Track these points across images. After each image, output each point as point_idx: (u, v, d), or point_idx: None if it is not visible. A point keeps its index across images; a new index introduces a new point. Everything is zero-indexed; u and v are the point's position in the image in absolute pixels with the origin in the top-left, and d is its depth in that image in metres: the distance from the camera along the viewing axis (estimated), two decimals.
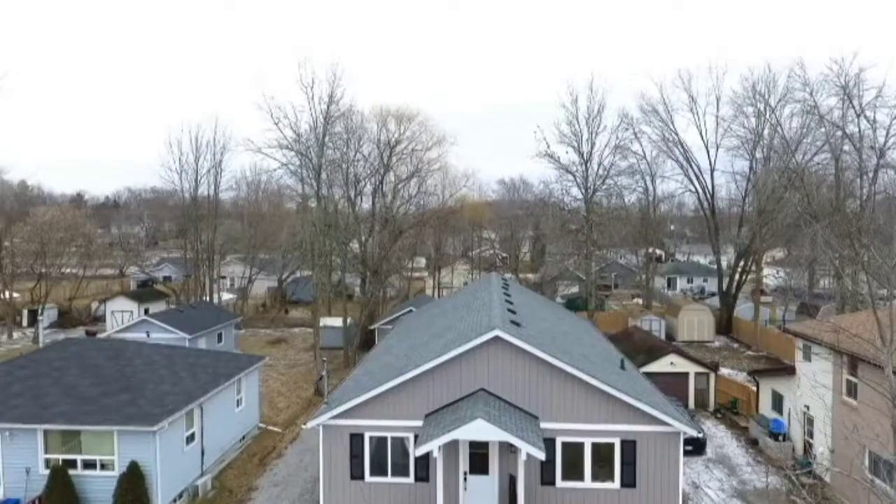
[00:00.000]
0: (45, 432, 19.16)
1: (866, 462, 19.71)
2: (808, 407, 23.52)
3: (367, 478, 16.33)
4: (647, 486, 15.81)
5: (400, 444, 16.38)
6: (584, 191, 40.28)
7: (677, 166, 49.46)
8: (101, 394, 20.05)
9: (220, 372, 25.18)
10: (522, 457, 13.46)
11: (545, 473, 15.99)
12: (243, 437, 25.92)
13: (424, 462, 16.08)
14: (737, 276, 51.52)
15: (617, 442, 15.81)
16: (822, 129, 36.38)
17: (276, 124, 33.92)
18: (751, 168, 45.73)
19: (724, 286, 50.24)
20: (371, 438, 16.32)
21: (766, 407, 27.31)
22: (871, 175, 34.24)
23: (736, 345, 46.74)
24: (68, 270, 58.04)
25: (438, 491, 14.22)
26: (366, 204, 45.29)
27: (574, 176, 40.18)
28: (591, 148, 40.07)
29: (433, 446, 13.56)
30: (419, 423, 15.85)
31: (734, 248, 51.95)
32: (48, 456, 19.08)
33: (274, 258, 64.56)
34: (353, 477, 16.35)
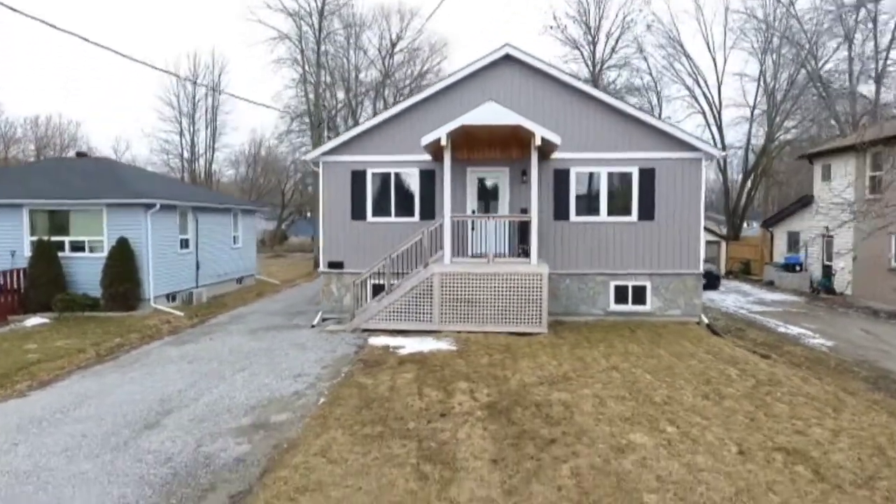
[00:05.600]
0: (31, 212, 18.22)
1: (893, 249, 18.83)
2: (827, 228, 22.61)
3: (370, 217, 15.41)
4: (667, 220, 14.88)
5: (404, 182, 15.46)
6: (590, 67, 39.35)
7: (683, 88, 48.27)
8: (91, 185, 19.15)
9: (216, 198, 24.34)
10: (537, 141, 12.53)
11: (558, 207, 15.08)
12: (240, 280, 24.98)
13: (430, 201, 15.19)
14: (744, 196, 50.36)
15: (635, 171, 14.89)
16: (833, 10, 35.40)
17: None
18: (761, 73, 44.69)
19: (731, 207, 49.11)
20: (374, 175, 15.40)
21: (780, 254, 26.40)
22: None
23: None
24: None
25: (446, 224, 13.31)
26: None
27: (581, 51, 39.28)
28: (599, 23, 39.18)
29: (441, 133, 12.63)
30: (426, 156, 14.94)
31: (742, 167, 50.89)
32: (34, 238, 18.12)
33: (273, 201, 63.54)
34: (354, 217, 15.42)
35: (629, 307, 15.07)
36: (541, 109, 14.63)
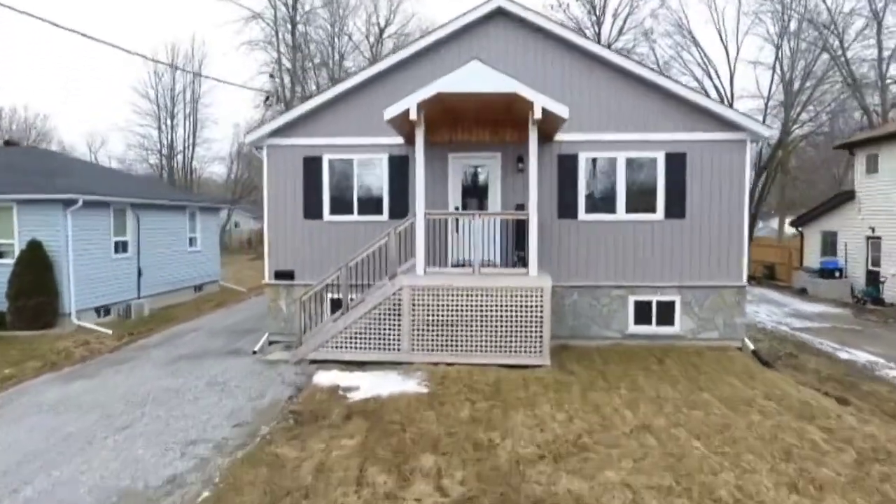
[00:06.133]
0: None
1: None
2: (873, 228, 19.50)
3: (327, 216, 12.30)
4: (701, 218, 11.79)
5: (370, 171, 12.36)
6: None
7: (693, 80, 45.12)
8: (4, 178, 16.06)
9: (167, 194, 21.25)
10: (536, 114, 9.46)
11: (564, 203, 11.98)
12: (200, 288, 21.88)
13: (402, 196, 12.08)
14: (757, 193, 47.13)
15: (660, 156, 11.79)
16: None
17: None
18: (777, 58, 41.52)
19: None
20: (332, 163, 12.29)
21: (812, 257, 23.29)
22: None
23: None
24: None
25: (418, 224, 10.20)
26: None
27: (584, 33, 36.11)
28: (605, 0, 36.02)
29: (410, 103, 9.55)
30: (397, 139, 11.85)
31: (756, 163, 47.65)
32: None
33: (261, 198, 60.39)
34: (308, 215, 12.31)
35: (653, 328, 11.97)
36: (542, 78, 11.52)
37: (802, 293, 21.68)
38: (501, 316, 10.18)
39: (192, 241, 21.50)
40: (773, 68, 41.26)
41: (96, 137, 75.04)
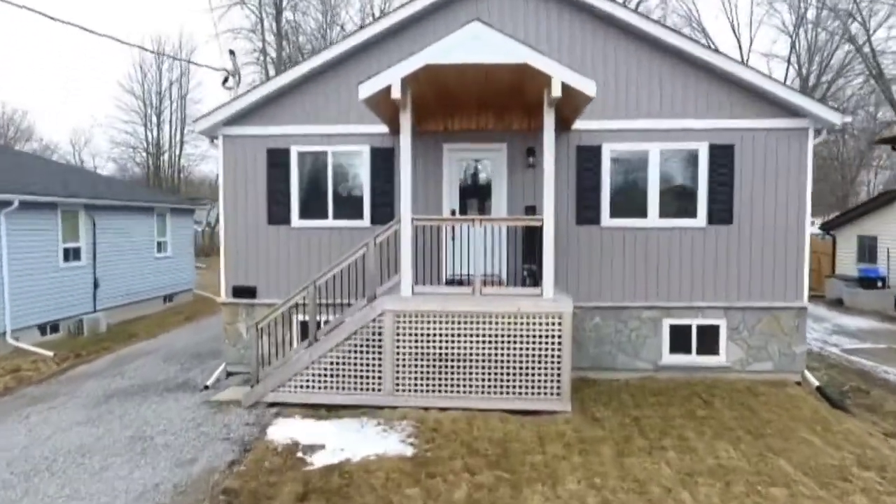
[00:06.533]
0: None
1: None
2: None
3: (297, 220, 10.15)
4: (753, 224, 9.64)
5: (348, 167, 10.22)
6: None
7: None
8: None
9: (130, 193, 19.10)
10: (554, 90, 7.33)
11: (583, 205, 9.83)
12: (171, 298, 19.74)
13: (387, 196, 9.93)
14: None
15: (703, 148, 9.64)
16: None
17: None
18: (792, 48, 39.37)
19: None
20: (302, 156, 10.14)
21: (847, 264, 21.14)
22: None
23: None
24: None
25: (404, 232, 8.02)
26: None
27: None
28: None
29: (393, 77, 7.41)
30: (380, 128, 9.72)
31: None
32: None
33: None
34: (273, 219, 10.16)
35: (692, 358, 9.82)
36: (556, 53, 9.36)
37: (838, 304, 19.54)
38: (508, 348, 8.04)
39: (160, 246, 19.36)
40: (788, 61, 39.20)
41: (80, 135, 72.59)
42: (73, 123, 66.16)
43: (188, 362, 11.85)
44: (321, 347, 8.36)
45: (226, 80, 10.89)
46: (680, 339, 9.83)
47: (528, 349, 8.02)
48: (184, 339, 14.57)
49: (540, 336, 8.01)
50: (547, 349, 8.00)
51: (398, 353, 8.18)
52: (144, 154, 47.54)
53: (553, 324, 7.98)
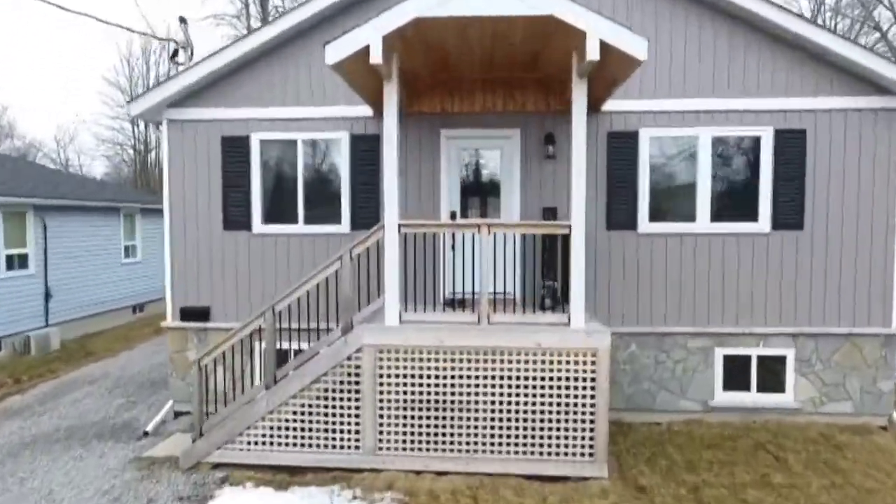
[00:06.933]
0: None
1: None
2: None
3: (259, 225, 8.20)
4: (829, 229, 7.70)
5: (322, 158, 8.28)
6: None
7: None
8: None
9: (90, 192, 17.17)
10: (590, 53, 5.39)
11: (615, 206, 7.88)
12: (141, 308, 17.83)
13: (372, 194, 7.98)
14: None
15: (766, 135, 7.69)
16: None
17: None
18: None
19: None
20: (265, 145, 8.19)
21: None
22: None
23: None
24: None
25: (389, 241, 6.05)
26: None
27: None
28: None
29: (371, 35, 5.47)
30: (362, 109, 7.78)
31: None
32: None
33: None
34: (229, 224, 8.22)
35: (752, 397, 7.88)
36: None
37: None
38: (525, 395, 6.12)
39: (128, 251, 17.45)
40: None
41: (65, 132, 70.41)
42: (57, 120, 64.15)
43: (137, 393, 9.94)
44: (282, 392, 6.43)
45: (175, 53, 8.94)
46: (736, 374, 7.89)
47: (551, 396, 6.10)
48: (144, 358, 12.66)
49: (567, 379, 6.08)
50: (577, 396, 6.08)
51: (381, 401, 6.25)
52: (132, 151, 45.64)
53: (585, 363, 6.05)
